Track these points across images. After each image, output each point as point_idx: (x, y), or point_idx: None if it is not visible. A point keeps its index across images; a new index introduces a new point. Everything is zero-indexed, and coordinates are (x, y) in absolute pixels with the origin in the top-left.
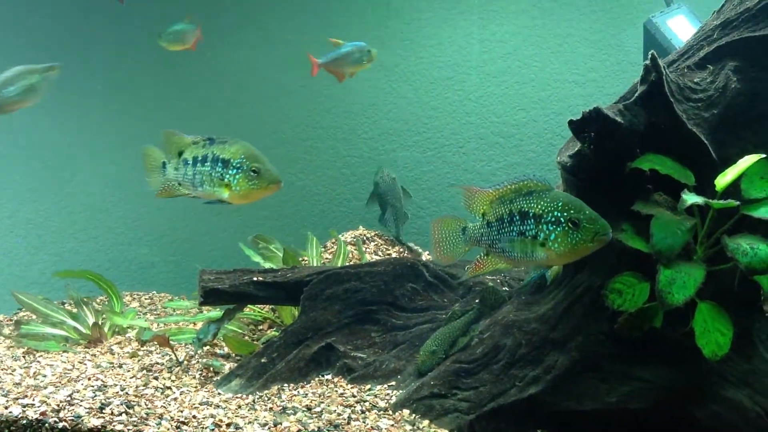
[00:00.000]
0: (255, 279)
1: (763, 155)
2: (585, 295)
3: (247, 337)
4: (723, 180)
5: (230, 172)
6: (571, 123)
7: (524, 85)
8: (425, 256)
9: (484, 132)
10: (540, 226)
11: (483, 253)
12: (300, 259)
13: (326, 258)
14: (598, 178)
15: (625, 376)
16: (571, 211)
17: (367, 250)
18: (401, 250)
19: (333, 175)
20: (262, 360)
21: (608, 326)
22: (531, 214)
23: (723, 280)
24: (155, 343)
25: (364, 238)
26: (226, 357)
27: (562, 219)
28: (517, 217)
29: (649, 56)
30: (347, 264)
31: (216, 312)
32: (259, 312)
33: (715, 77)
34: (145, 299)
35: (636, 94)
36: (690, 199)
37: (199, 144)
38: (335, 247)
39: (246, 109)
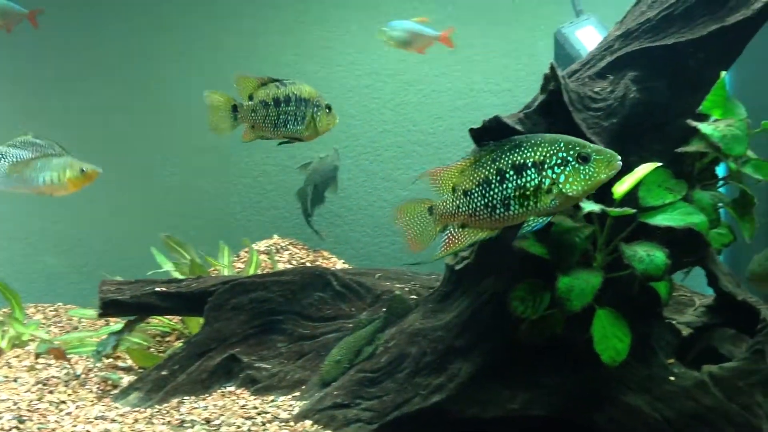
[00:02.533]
0: (157, 289)
1: (660, 164)
2: (489, 303)
3: (152, 350)
4: (620, 188)
5: (311, 110)
6: (471, 131)
7: (441, 94)
8: (339, 264)
9: (401, 140)
10: (544, 173)
11: (456, 227)
12: (211, 269)
13: (239, 267)
14: None
15: (529, 382)
16: (577, 148)
17: (282, 259)
18: (315, 259)
19: (248, 183)
20: (163, 372)
21: (512, 333)
22: (530, 164)
23: (623, 287)
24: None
25: (278, 247)
26: (129, 370)
27: (569, 158)
28: (512, 172)
29: (549, 66)
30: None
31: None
32: (168, 323)
33: (615, 87)
34: (50, 311)
35: (536, 103)
36: (587, 206)
37: (268, 86)
38: (248, 256)
39: (163, 117)
